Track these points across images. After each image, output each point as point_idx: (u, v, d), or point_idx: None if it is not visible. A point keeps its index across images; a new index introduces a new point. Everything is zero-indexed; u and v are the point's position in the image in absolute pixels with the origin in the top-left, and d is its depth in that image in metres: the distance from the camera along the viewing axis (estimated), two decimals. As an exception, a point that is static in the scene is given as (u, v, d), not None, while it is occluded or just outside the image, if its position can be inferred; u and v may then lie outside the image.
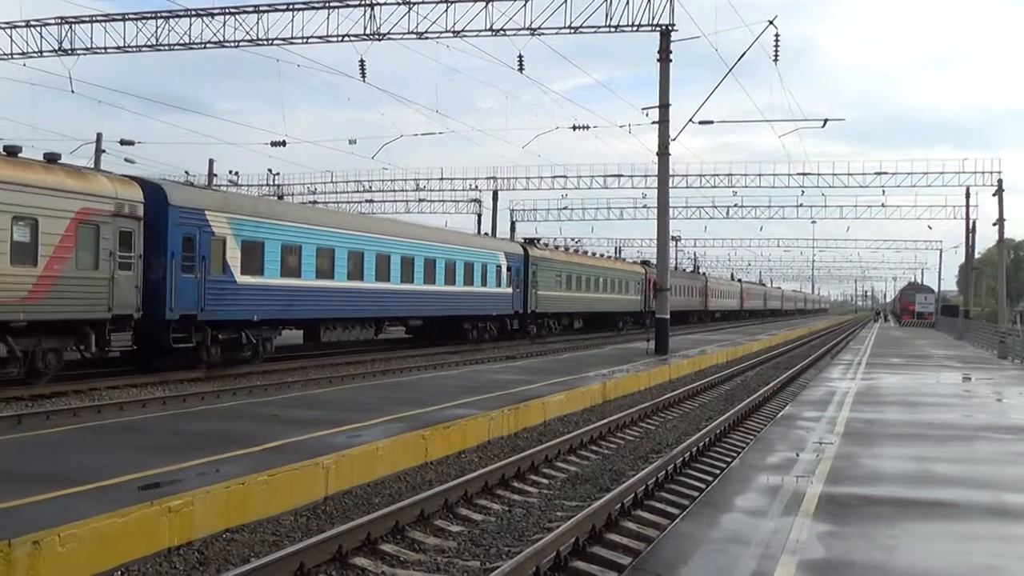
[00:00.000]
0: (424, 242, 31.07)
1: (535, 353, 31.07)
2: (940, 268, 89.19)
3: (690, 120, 30.53)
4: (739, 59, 28.70)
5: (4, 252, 16.11)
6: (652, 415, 16.84)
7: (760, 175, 52.43)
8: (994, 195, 49.28)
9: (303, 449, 9.88)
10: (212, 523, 7.76)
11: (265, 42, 29.21)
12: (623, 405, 17.61)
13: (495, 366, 24.26)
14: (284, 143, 40.54)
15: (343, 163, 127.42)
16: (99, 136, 38.44)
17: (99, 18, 30.32)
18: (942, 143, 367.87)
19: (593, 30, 27.38)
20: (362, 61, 29.70)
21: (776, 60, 27.95)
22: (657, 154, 27.93)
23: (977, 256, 69.70)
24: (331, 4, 28.59)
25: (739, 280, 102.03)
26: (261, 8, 29.04)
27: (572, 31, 27.40)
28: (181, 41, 29.92)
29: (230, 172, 49.30)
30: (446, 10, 27.91)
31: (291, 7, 28.78)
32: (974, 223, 57.54)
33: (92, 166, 30.16)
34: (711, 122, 31.48)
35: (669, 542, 7.12)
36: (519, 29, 27.61)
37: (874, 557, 6.54)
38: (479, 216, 56.51)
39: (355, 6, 28.57)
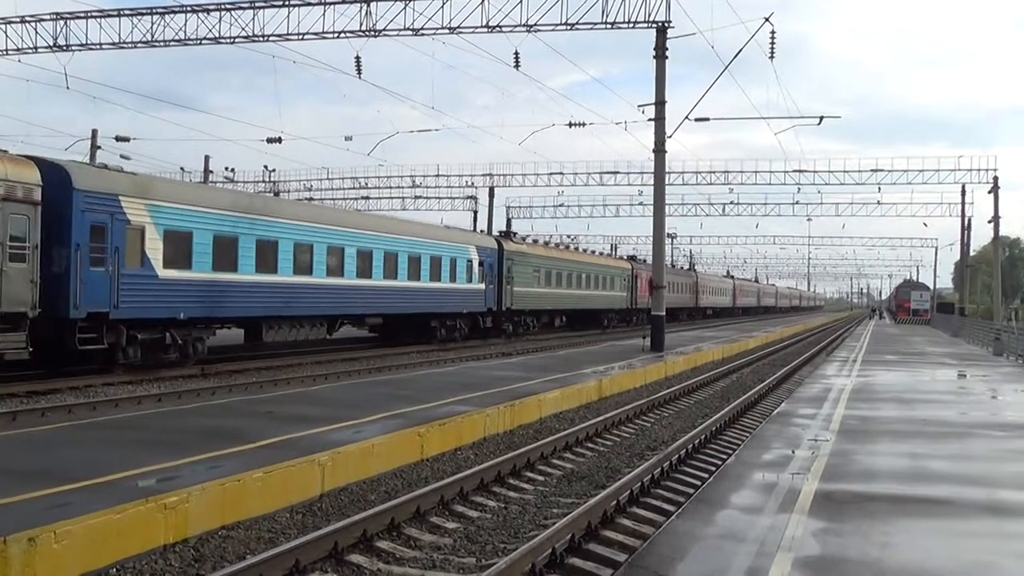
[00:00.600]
0: (384, 234, 29.57)
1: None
2: (936, 265, 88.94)
3: (686, 117, 30.61)
4: (735, 56, 28.66)
5: None
6: (648, 412, 16.85)
7: (756, 172, 52.53)
8: (989, 192, 49.51)
9: (299, 446, 9.87)
10: (208, 520, 7.74)
11: (261, 38, 29.18)
12: (619, 402, 17.62)
13: (491, 363, 24.27)
14: (280, 140, 40.63)
15: (339, 160, 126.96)
16: (94, 132, 38.45)
17: (94, 14, 30.26)
18: (938, 140, 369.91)
19: (589, 27, 27.38)
20: (358, 58, 29.66)
21: (772, 57, 27.99)
22: (653, 151, 27.98)
23: (973, 253, 70.12)
24: (327, 0, 28.56)
25: (732, 277, 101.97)
26: (257, 4, 28.96)
27: (568, 28, 27.38)
28: (177, 37, 29.84)
29: (226, 168, 49.29)
30: (442, 6, 27.91)
31: (287, 3, 28.74)
32: (969, 220, 57.93)
33: (88, 162, 30.03)
34: (707, 119, 31.37)
35: (665, 539, 7.14)
36: (515, 26, 27.60)
37: (869, 554, 6.56)
38: (475, 213, 56.52)
39: (351, 2, 28.53)
